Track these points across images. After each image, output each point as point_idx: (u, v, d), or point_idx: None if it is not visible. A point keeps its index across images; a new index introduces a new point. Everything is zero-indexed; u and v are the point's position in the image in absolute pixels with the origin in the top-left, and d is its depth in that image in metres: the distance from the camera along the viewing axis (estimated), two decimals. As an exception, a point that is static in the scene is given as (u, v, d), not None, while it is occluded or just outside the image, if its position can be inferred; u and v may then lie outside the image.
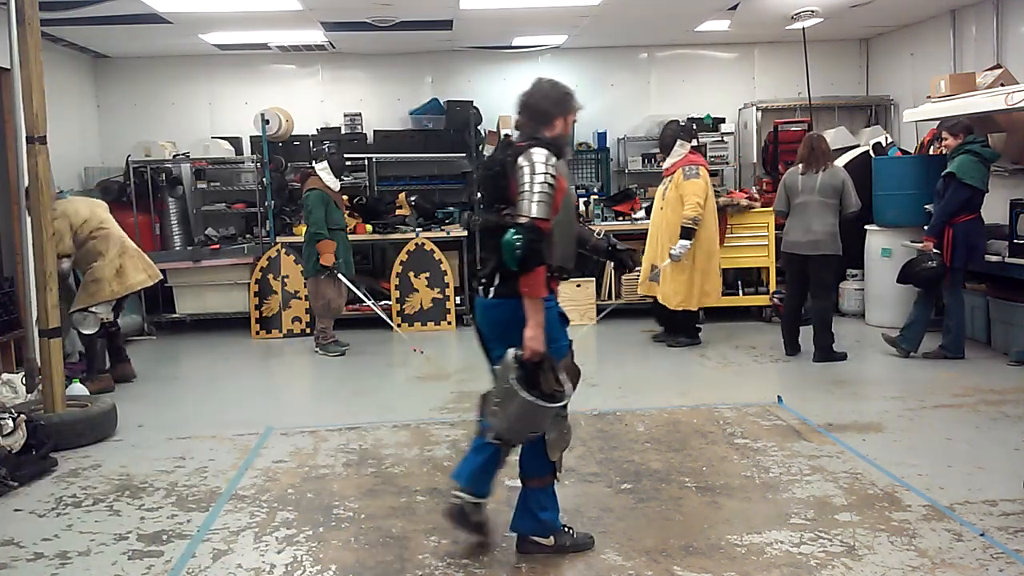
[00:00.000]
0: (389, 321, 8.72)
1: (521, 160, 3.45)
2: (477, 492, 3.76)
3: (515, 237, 3.32)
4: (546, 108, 3.60)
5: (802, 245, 7.22)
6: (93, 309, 6.88)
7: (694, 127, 8.05)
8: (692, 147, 7.75)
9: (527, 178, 3.41)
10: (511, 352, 3.44)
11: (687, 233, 7.48)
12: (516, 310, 3.46)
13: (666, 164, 7.80)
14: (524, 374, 3.43)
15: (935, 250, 6.89)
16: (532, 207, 3.37)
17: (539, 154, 3.44)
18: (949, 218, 6.85)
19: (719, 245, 8.56)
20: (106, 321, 6.98)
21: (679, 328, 8.01)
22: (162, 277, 7.58)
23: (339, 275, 8.04)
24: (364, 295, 8.49)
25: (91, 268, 6.87)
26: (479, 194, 3.73)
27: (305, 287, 8.58)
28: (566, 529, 3.81)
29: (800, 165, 7.30)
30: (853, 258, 8.71)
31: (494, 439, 3.57)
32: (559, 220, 3.50)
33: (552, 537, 3.75)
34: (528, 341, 3.42)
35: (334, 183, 8.06)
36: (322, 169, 8.03)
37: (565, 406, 3.58)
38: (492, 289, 3.57)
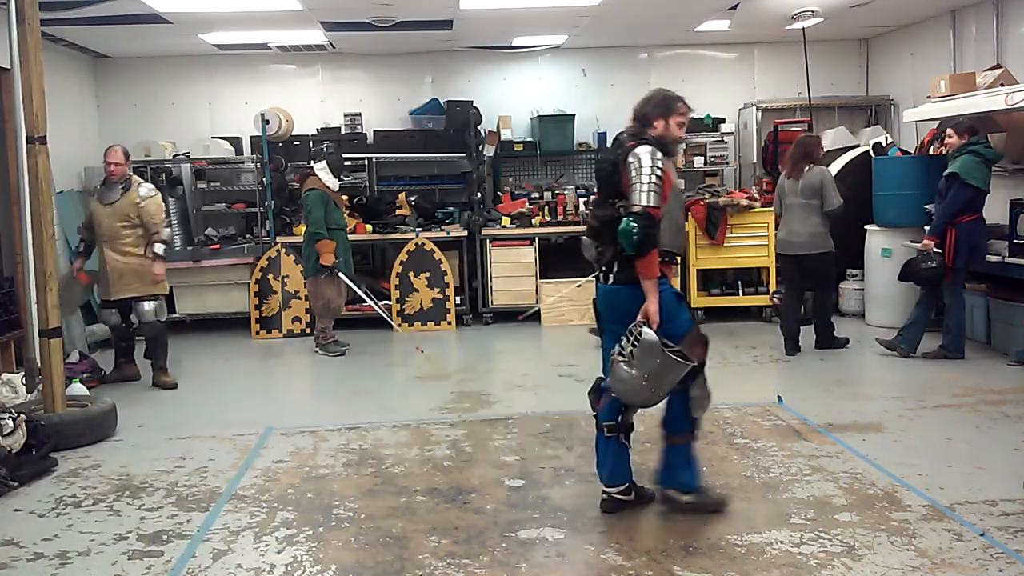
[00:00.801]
0: (390, 320, 8.71)
1: (630, 157, 3.92)
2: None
3: (631, 225, 3.77)
4: (646, 112, 4.09)
5: (789, 245, 7.44)
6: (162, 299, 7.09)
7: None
8: None
9: (636, 172, 3.87)
10: (645, 331, 3.80)
11: None
12: (629, 295, 3.93)
13: None
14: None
15: (936, 250, 6.89)
16: (643, 197, 3.82)
17: (645, 150, 3.91)
18: (952, 218, 6.84)
19: (720, 244, 8.64)
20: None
21: None
22: None
23: (340, 274, 8.04)
24: (365, 294, 8.49)
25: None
26: (594, 191, 4.12)
27: (305, 287, 8.58)
28: (701, 490, 4.13)
29: (786, 168, 7.53)
30: (853, 258, 8.72)
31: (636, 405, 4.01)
32: (667, 208, 3.96)
33: (689, 495, 4.11)
34: (651, 316, 3.83)
35: (333, 183, 8.07)
36: (321, 169, 8.03)
37: (701, 368, 4.00)
38: (611, 276, 4.05)
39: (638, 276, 3.87)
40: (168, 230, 7.12)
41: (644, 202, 3.80)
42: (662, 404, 4.04)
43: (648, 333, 3.78)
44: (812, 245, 7.28)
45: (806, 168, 7.32)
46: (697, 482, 4.15)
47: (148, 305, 7.02)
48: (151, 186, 7.16)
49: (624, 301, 3.96)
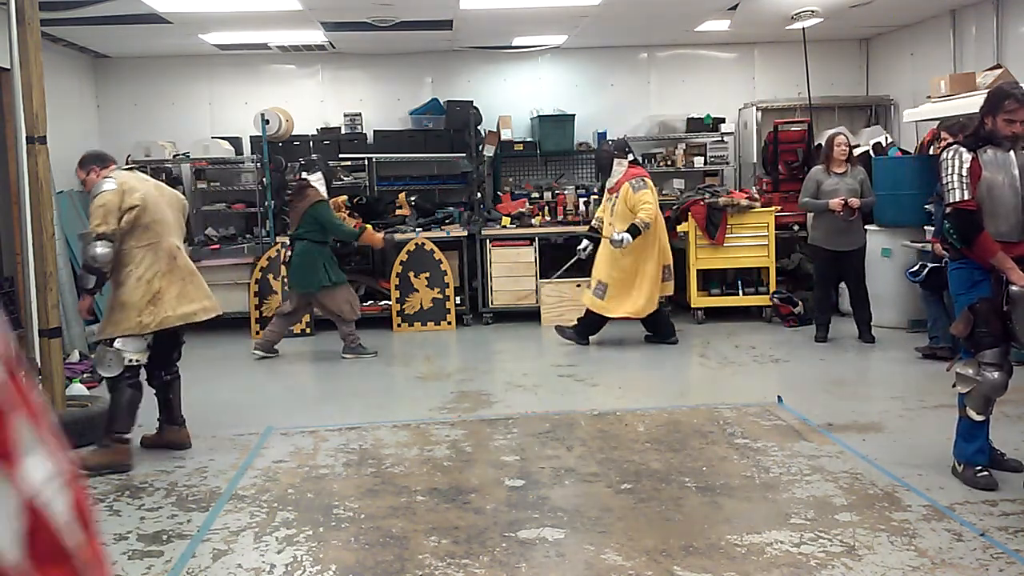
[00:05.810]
0: None
1: (941, 157, 4.42)
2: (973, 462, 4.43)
3: (947, 227, 4.29)
4: (980, 110, 4.44)
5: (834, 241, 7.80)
6: (118, 344, 5.07)
7: (626, 143, 8.17)
8: (630, 161, 7.89)
9: (943, 172, 4.32)
10: (1012, 289, 4.16)
11: (634, 231, 7.65)
12: (949, 269, 4.50)
13: (610, 184, 7.93)
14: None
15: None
16: (948, 195, 4.28)
17: (949, 151, 4.35)
18: None
19: (720, 244, 8.71)
20: (135, 363, 5.14)
21: (658, 324, 8.12)
22: (221, 312, 5.51)
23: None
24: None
25: (121, 286, 5.08)
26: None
27: (310, 303, 8.15)
28: (978, 468, 4.33)
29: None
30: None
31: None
32: (988, 197, 4.25)
33: (962, 466, 4.42)
34: (1015, 280, 4.14)
35: (325, 193, 8.11)
36: (317, 180, 8.02)
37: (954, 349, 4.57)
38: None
39: (955, 256, 4.37)
40: (99, 248, 4.96)
41: (949, 199, 4.24)
42: None
43: (1013, 290, 4.14)
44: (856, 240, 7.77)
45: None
46: (962, 457, 4.41)
47: (97, 351, 5.28)
48: (110, 179, 5.09)
49: (948, 272, 4.53)
